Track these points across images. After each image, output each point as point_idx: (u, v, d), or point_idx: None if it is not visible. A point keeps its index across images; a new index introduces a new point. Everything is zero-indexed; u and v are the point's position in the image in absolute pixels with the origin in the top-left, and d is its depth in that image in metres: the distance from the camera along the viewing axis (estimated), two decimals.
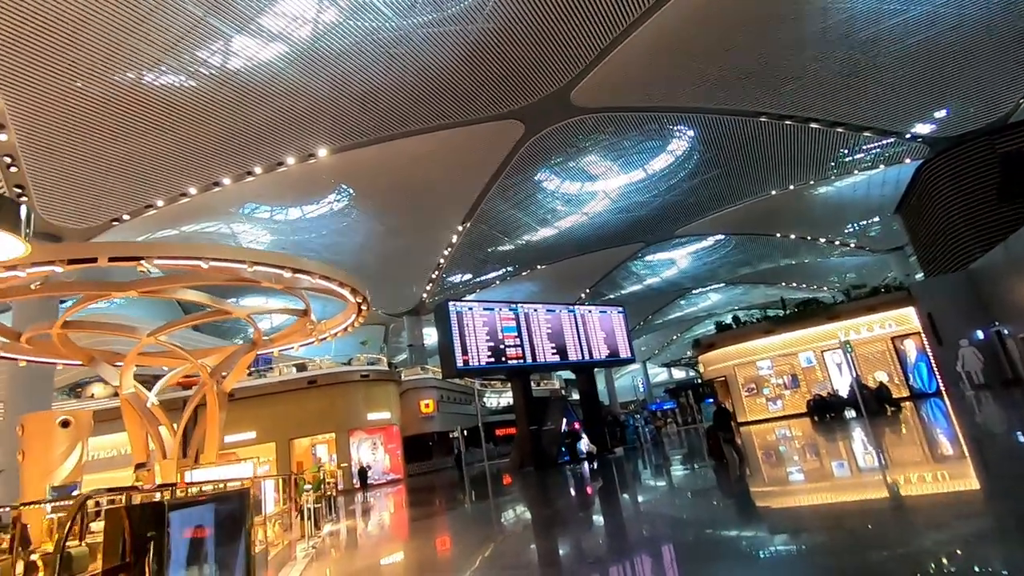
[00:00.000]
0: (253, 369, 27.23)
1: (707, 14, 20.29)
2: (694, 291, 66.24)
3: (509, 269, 45.78)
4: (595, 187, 35.20)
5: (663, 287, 58.58)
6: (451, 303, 15.78)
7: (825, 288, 61.98)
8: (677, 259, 53.05)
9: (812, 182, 34.28)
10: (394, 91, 21.10)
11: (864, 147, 29.44)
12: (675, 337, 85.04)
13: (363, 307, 9.73)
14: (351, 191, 30.26)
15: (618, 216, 38.71)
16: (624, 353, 20.04)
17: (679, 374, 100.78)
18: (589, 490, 13.82)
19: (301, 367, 27.51)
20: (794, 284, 62.27)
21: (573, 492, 13.89)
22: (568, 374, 76.26)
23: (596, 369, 20.27)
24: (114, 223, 22.28)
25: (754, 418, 24.69)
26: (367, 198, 30.79)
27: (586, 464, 17.43)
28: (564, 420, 17.39)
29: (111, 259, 6.24)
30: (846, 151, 29.46)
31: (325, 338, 11.28)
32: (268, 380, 25.69)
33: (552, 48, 20.75)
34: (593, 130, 27.50)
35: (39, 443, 8.86)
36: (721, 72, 23.39)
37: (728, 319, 51.52)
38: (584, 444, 18.08)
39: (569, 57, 21.39)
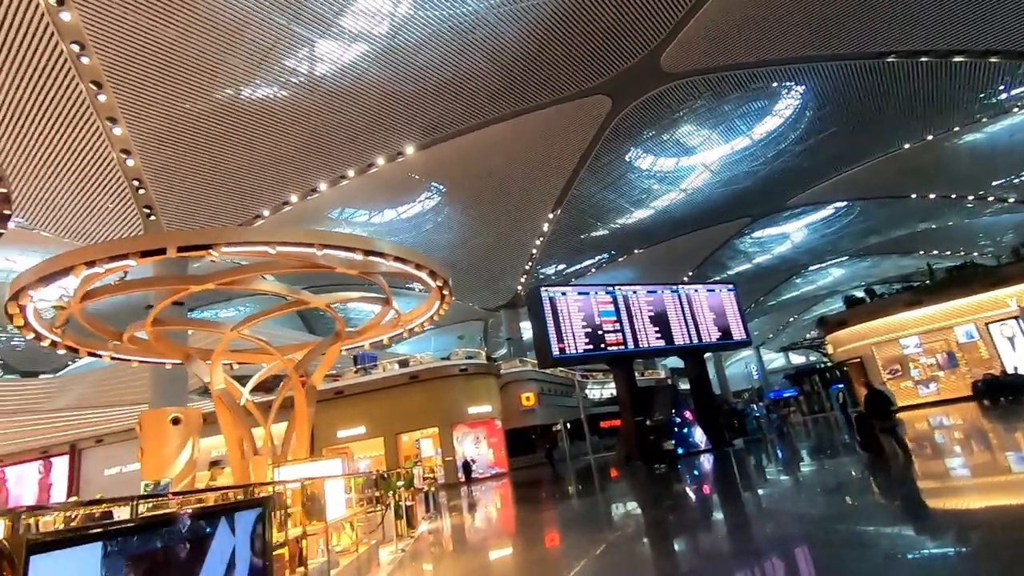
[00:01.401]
0: (359, 367, 28.27)
1: None
2: (812, 267, 60.14)
3: (604, 256, 44.18)
4: (693, 160, 32.72)
5: (775, 265, 53.77)
6: (543, 288, 14.96)
7: (975, 254, 53.57)
8: (791, 233, 48.33)
9: (956, 129, 29.37)
10: (475, 78, 20.64)
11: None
12: (792, 319, 78.15)
13: (445, 292, 9.17)
14: (440, 187, 30.46)
15: (721, 190, 35.78)
16: (738, 334, 18.05)
17: (798, 359, 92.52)
18: (707, 489, 12.39)
19: (403, 363, 28.13)
20: (935, 251, 54.40)
21: (690, 490, 12.51)
22: (675, 362, 72.74)
23: (706, 355, 18.47)
24: None
25: (901, 404, 21.33)
26: (456, 193, 30.85)
27: (703, 458, 15.81)
28: (673, 410, 15.91)
29: (180, 249, 6.13)
30: (1002, 86, 24.76)
31: (412, 328, 10.93)
32: (373, 377, 26.52)
33: (635, 11, 19.18)
34: (687, 97, 25.36)
35: (155, 438, 9.29)
36: (833, 9, 20.42)
37: (856, 295, 46.03)
38: (698, 436, 16.45)
39: (655, 18, 19.68)
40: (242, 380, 12.82)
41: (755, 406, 26.42)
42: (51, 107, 17.07)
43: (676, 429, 15.87)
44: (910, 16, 20.65)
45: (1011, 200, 41.33)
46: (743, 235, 44.98)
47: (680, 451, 16.01)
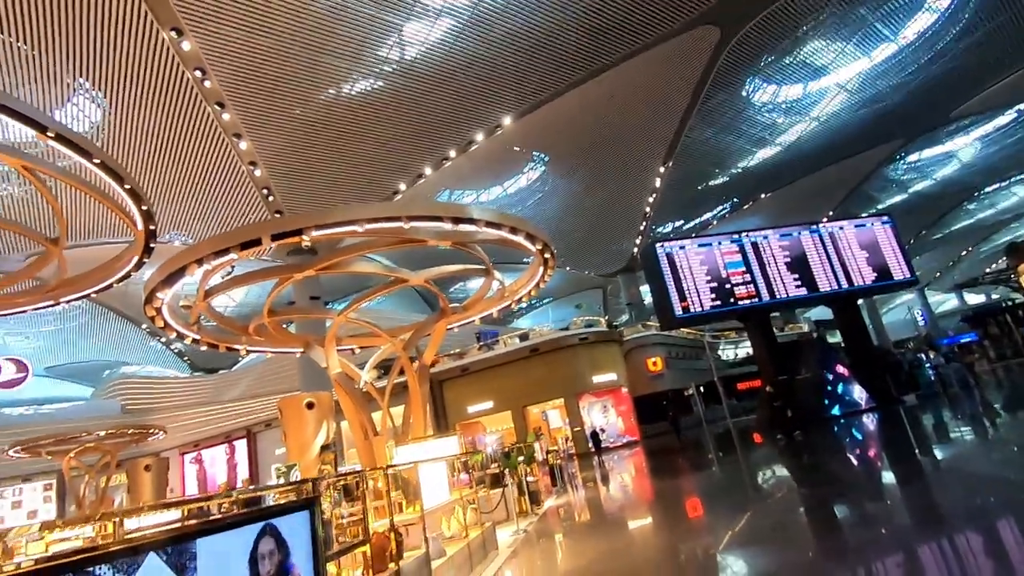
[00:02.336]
0: (482, 343, 28.88)
1: None
2: (988, 189, 50.56)
3: (726, 206, 40.76)
4: (825, 82, 28.53)
5: (939, 191, 46.03)
6: (658, 245, 13.77)
7: None
8: (957, 150, 40.84)
9: None
10: (565, 33, 19.51)
11: None
12: (964, 252, 66.95)
13: (547, 256, 8.58)
14: (543, 156, 29.74)
15: (861, 112, 30.97)
16: (899, 273, 15.31)
17: (975, 298, 79.11)
18: (877, 454, 10.66)
19: (523, 337, 28.25)
20: None
21: (857, 458, 10.85)
22: (820, 313, 65.95)
23: (859, 301, 16.02)
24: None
25: None
26: (560, 159, 29.94)
27: (865, 419, 13.69)
28: (823, 366, 13.92)
29: (273, 237, 6.24)
30: None
31: (520, 299, 10.53)
32: (495, 352, 26.96)
33: None
34: (810, 8, 21.94)
35: (294, 423, 9.94)
36: None
37: None
38: (857, 393, 14.31)
39: None
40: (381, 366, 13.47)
41: (923, 355, 22.58)
42: (183, 131, 18.98)
43: (828, 387, 13.90)
44: None
45: None
46: (896, 161, 38.90)
47: (836, 411, 14.05)
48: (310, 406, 9.62)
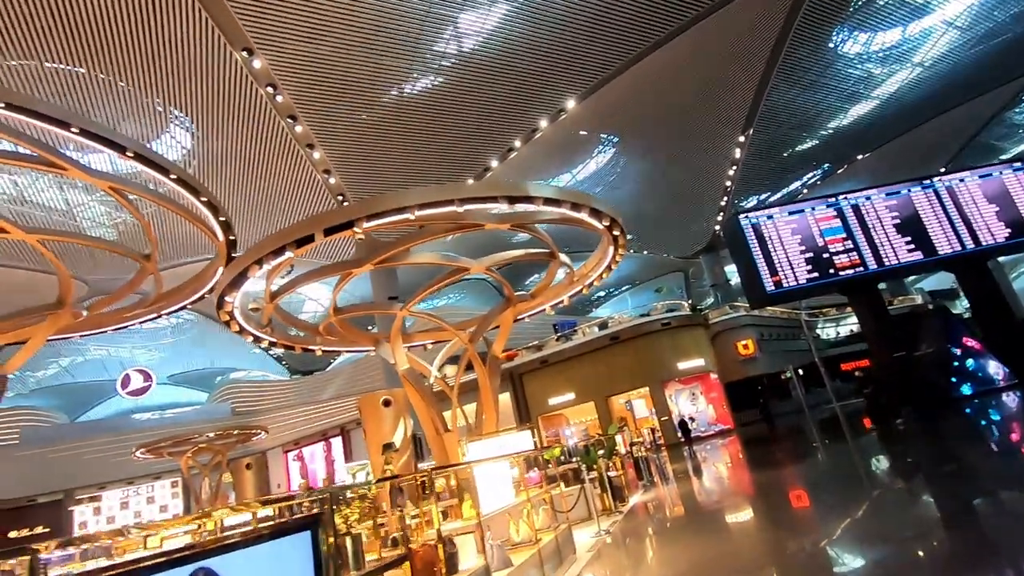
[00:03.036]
0: (560, 334, 28.38)
1: None
2: None
3: (817, 172, 37.52)
4: (926, 22, 25.30)
5: None
6: (742, 216, 12.56)
7: None
8: None
9: None
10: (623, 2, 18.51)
11: None
12: None
13: (616, 233, 7.88)
14: (612, 138, 28.69)
15: (975, 51, 27.22)
16: None
17: None
18: None
19: (603, 325, 27.44)
20: None
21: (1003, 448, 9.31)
22: (937, 282, 59.57)
23: (989, 263, 13.89)
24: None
25: None
26: (631, 139, 28.76)
27: (1007, 397, 11.74)
28: (948, 339, 12.09)
29: (326, 231, 6.12)
30: None
31: (591, 283, 9.89)
32: (574, 343, 26.35)
33: None
34: None
35: (372, 420, 10.01)
36: None
37: None
38: (992, 368, 12.32)
39: None
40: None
41: None
42: (260, 146, 19.93)
43: (956, 363, 12.05)
44: None
45: None
46: (1022, 102, 34.00)
47: (966, 390, 12.18)
48: (387, 403, 9.64)
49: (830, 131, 31.58)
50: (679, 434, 23.30)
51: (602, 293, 55.51)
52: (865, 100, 29.45)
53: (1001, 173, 13.54)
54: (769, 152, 31.09)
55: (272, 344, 9.98)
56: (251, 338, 9.27)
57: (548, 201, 6.59)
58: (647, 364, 24.64)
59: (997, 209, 12.92)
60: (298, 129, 19.55)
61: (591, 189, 32.90)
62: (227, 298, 7.22)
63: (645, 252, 43.39)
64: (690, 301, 42.01)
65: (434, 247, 9.86)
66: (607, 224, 7.52)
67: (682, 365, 24.89)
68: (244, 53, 16.45)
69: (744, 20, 21.12)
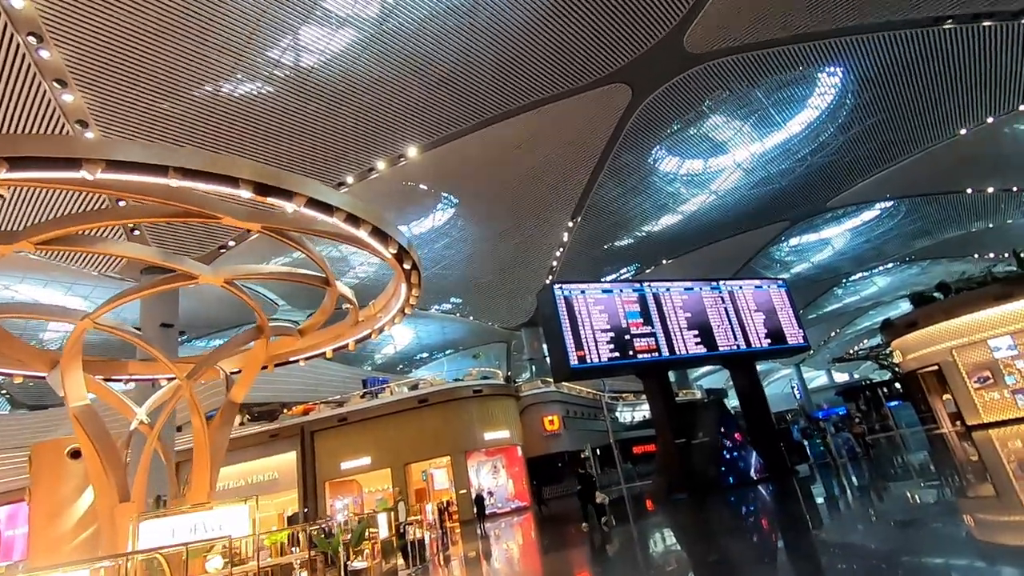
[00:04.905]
0: (366, 391, 26.09)
1: None
2: (854, 277, 56.26)
3: (630, 268, 41.60)
4: (723, 160, 30.23)
5: (814, 274, 50.30)
6: (557, 286, 12.56)
7: None
8: (832, 238, 45.03)
9: (1022, 108, 26.31)
10: (477, 68, 18.77)
11: None
12: (833, 334, 73.57)
13: (408, 267, 6.59)
14: (452, 199, 28.58)
15: (754, 192, 33.09)
16: (793, 338, 15.19)
17: (840, 376, 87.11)
18: (782, 534, 9.61)
19: (413, 386, 25.85)
20: (991, 254, 50.19)
21: (761, 537, 9.73)
22: (711, 381, 68.71)
23: (758, 364, 15.71)
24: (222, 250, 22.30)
25: (996, 418, 17.92)
26: (469, 204, 28.90)
27: (763, 489, 12.90)
28: (723, 430, 13.14)
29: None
30: None
31: (382, 328, 8.50)
32: (379, 401, 24.22)
33: None
34: (715, 84, 23.05)
35: (46, 478, 7.08)
36: None
37: (898, 308, 42.12)
38: (753, 461, 13.57)
39: None
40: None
41: (821, 424, 23.08)
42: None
43: (725, 453, 13.03)
44: None
45: None
46: (780, 241, 41.94)
47: (731, 480, 13.16)
48: (75, 455, 6.88)
49: (643, 234, 35.35)
50: (475, 509, 22.10)
51: (425, 354, 54.07)
52: (673, 213, 33.72)
53: (769, 287, 15.60)
54: (592, 241, 33.59)
55: None
56: None
57: (314, 203, 5.00)
58: (453, 431, 23.43)
59: (764, 317, 14.72)
60: (67, 98, 15.78)
61: (424, 245, 32.20)
62: None
63: (471, 318, 43.42)
64: (509, 373, 42.54)
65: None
66: (395, 252, 6.19)
67: (488, 435, 24.17)
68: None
69: (585, 114, 22.87)
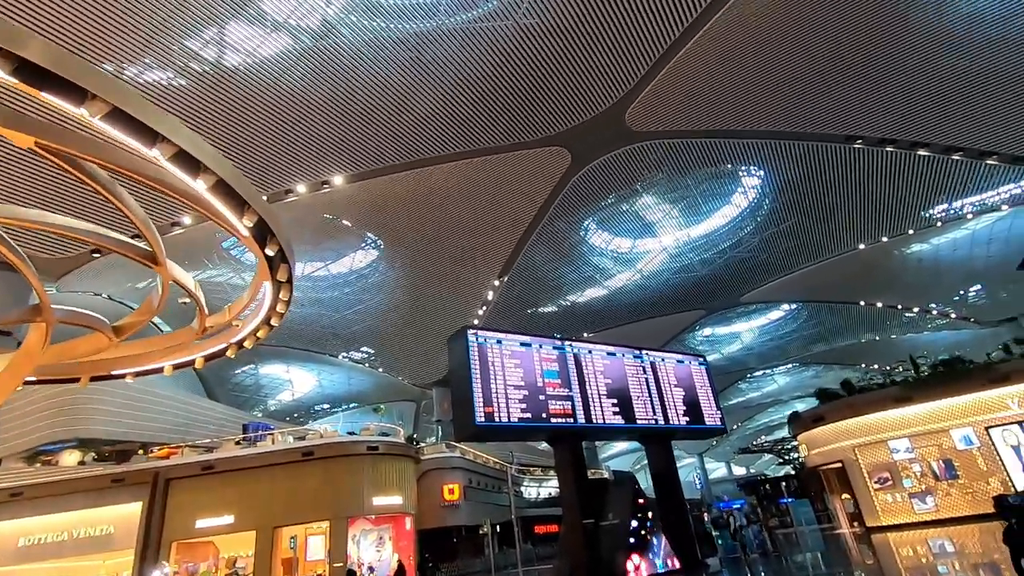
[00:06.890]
0: (243, 436, 22.86)
1: (783, 8, 16.78)
2: (757, 372, 59.04)
3: (550, 339, 41.02)
4: (650, 242, 31.04)
5: (724, 365, 52.18)
6: (471, 331, 11.33)
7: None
8: (741, 332, 47.13)
9: (911, 232, 29.09)
10: (417, 105, 18.13)
11: (987, 181, 24.40)
12: (735, 427, 76.19)
13: (272, 254, 4.83)
14: (374, 239, 27.10)
15: (676, 277, 34.08)
16: (711, 419, 14.63)
17: (739, 470, 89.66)
18: None
19: (300, 436, 22.93)
20: (876, 365, 54.51)
21: None
22: (618, 464, 68.02)
23: (673, 442, 14.94)
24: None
25: (893, 521, 17.98)
26: (391, 246, 27.52)
27: None
28: (631, 513, 11.92)
29: None
30: (961, 187, 24.52)
31: (242, 342, 6.74)
32: (255, 451, 21.05)
33: (603, 56, 17.54)
34: (650, 164, 23.77)
35: None
36: (807, 84, 19.56)
37: (794, 407, 44.14)
38: (664, 551, 12.35)
39: (622, 68, 18.10)
40: None
41: (734, 514, 22.46)
42: None
43: (632, 540, 11.73)
44: (882, 101, 20.01)
45: (952, 316, 41.76)
46: (695, 329, 43.21)
47: (643, 570, 11.84)
48: None
49: (568, 303, 35.14)
50: None
51: (326, 405, 49.89)
52: (598, 286, 33.89)
53: (690, 363, 15.14)
54: (515, 304, 32.86)
55: None
56: None
57: (123, 118, 3.20)
58: (337, 492, 20.58)
59: (684, 394, 14.10)
60: None
61: (339, 287, 30.11)
62: None
63: (381, 371, 40.77)
64: (415, 435, 39.71)
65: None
66: (252, 228, 4.44)
67: (378, 501, 21.50)
68: None
69: (523, 172, 22.67)
